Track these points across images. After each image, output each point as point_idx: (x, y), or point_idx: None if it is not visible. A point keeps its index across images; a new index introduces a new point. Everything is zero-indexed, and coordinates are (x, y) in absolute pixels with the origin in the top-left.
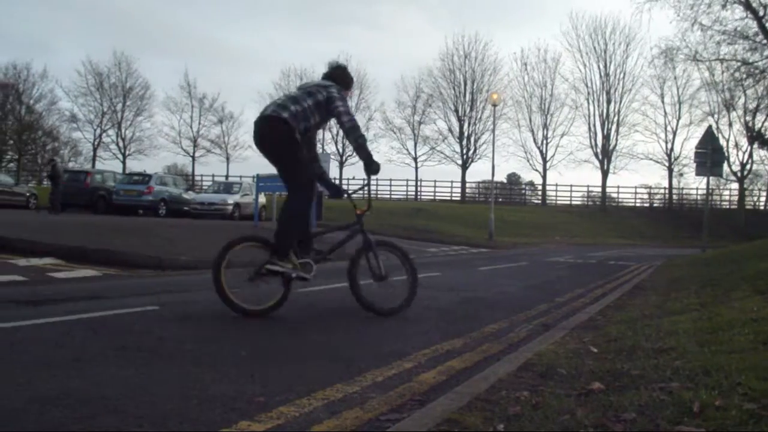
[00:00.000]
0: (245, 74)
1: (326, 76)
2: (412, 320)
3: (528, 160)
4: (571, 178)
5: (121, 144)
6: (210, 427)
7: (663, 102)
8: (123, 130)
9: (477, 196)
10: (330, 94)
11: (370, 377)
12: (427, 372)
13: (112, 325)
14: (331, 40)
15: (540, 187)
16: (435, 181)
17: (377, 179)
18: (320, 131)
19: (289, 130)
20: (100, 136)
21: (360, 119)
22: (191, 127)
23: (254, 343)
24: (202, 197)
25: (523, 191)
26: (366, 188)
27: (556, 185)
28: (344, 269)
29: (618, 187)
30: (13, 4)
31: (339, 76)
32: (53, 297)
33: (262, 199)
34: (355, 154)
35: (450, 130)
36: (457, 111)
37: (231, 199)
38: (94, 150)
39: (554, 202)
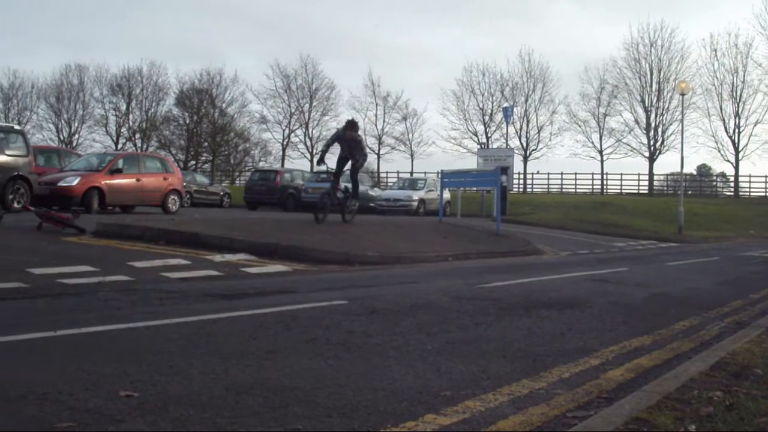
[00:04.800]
0: (427, 72)
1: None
2: (599, 316)
3: (719, 151)
4: (767, 169)
5: (308, 143)
6: (397, 420)
7: None
8: (310, 130)
9: (665, 188)
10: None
11: (556, 373)
12: (615, 369)
13: (303, 319)
14: (502, 34)
15: (732, 179)
16: (621, 174)
17: (562, 172)
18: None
19: None
20: (289, 135)
21: (543, 113)
22: (376, 125)
23: (439, 337)
24: (387, 194)
25: (714, 183)
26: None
27: (750, 176)
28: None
29: None
30: (203, 18)
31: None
32: (246, 291)
33: (446, 194)
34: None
35: (636, 122)
36: (643, 101)
37: (416, 195)
38: (283, 149)
39: (748, 194)
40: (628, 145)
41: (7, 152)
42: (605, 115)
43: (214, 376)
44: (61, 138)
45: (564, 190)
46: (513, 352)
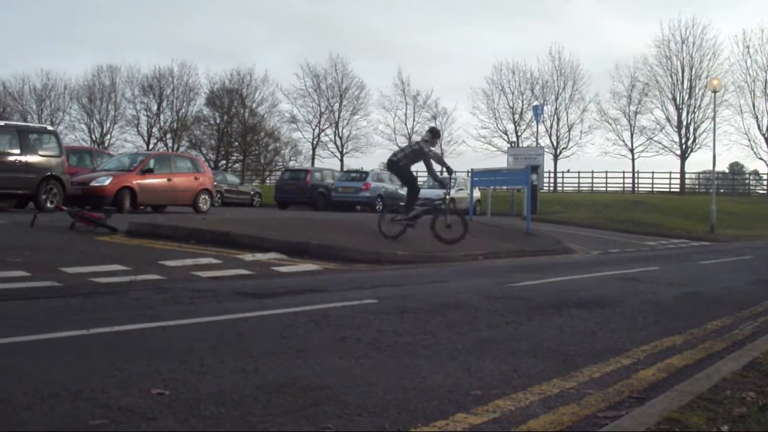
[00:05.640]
0: (456, 70)
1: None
2: (630, 316)
3: (752, 148)
4: None
5: (338, 142)
6: (428, 419)
7: None
8: (340, 129)
9: (697, 187)
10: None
11: (587, 373)
12: (646, 369)
13: (333, 318)
14: (531, 33)
15: (765, 177)
16: (653, 173)
17: (593, 171)
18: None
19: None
20: (319, 135)
21: (574, 111)
22: (406, 124)
23: (469, 336)
24: None
25: (747, 181)
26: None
27: None
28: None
29: None
30: (233, 18)
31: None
32: (277, 290)
33: (476, 193)
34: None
35: (667, 120)
36: (674, 99)
37: None
38: (313, 149)
39: None
40: (660, 143)
41: (41, 153)
42: (636, 113)
43: (245, 375)
44: (93, 138)
45: (595, 188)
46: (543, 351)
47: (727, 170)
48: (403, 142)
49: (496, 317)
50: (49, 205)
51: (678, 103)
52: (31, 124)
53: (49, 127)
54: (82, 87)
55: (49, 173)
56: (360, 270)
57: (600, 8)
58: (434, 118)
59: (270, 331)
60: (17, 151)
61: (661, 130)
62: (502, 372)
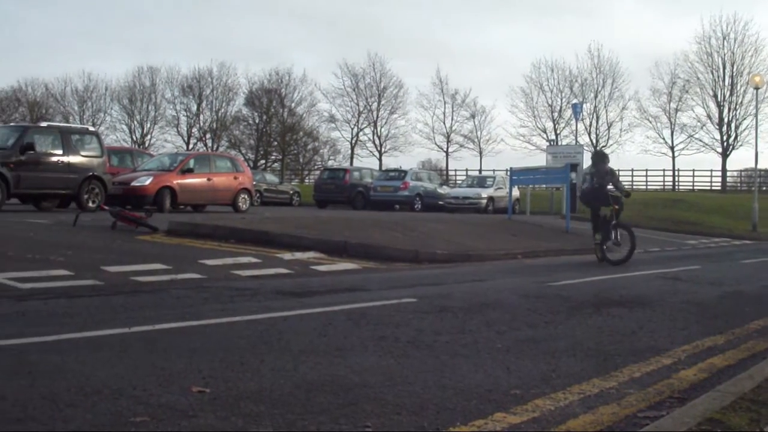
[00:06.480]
0: (494, 69)
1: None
2: (670, 315)
3: None
4: None
5: (377, 141)
6: (466, 418)
7: None
8: (378, 128)
9: (739, 185)
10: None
11: (627, 373)
12: (687, 369)
13: (372, 317)
14: (570, 30)
15: None
16: (693, 171)
17: (632, 169)
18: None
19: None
20: (357, 134)
21: (613, 109)
22: (444, 122)
23: (508, 335)
24: (456, 191)
25: None
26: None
27: None
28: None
29: None
30: (272, 18)
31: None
32: (316, 289)
33: (515, 192)
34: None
35: (708, 117)
36: (715, 96)
37: (485, 193)
38: (352, 148)
39: None
40: (700, 140)
41: (83, 153)
42: (676, 110)
43: (284, 373)
44: (134, 139)
45: (634, 187)
46: (583, 350)
47: None
48: (441, 142)
49: (536, 316)
50: (91, 204)
51: (719, 100)
52: (73, 125)
53: (91, 128)
54: (122, 88)
55: (91, 173)
56: (399, 269)
57: (639, 4)
58: (473, 116)
59: (309, 329)
60: (60, 152)
61: (702, 128)
62: (542, 371)
